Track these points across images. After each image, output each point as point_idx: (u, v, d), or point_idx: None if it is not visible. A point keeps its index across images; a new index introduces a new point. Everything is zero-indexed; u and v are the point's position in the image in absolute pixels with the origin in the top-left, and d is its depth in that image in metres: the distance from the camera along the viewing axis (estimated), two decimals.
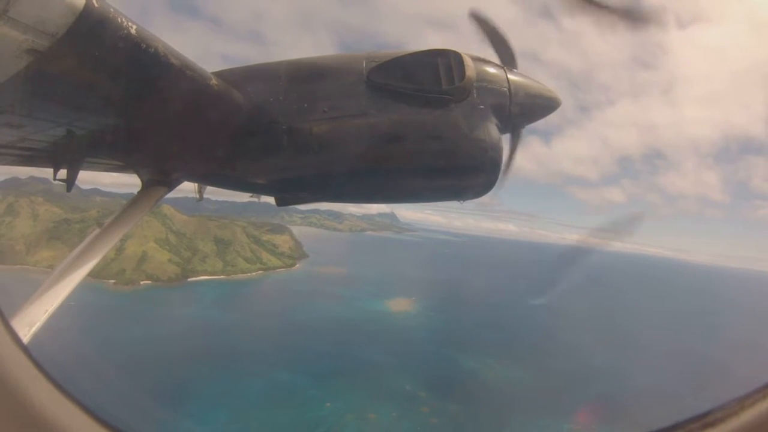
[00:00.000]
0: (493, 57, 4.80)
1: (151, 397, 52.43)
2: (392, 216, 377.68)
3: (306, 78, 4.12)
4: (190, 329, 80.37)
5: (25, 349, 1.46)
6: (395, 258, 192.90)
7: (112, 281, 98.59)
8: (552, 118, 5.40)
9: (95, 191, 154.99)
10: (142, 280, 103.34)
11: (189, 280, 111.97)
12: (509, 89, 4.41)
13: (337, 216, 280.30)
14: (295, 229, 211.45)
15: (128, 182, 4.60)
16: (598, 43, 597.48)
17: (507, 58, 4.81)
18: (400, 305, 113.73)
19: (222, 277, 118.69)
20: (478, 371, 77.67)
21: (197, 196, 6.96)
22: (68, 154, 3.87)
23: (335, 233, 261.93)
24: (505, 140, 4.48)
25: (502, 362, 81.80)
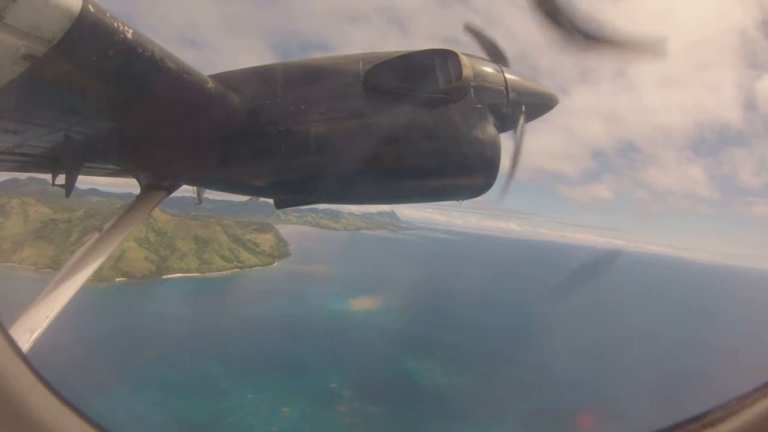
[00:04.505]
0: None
1: (95, 378, 57.20)
2: (392, 215, 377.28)
3: (303, 80, 4.15)
4: (144, 323, 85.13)
5: (23, 356, 1.45)
6: (381, 257, 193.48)
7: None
8: None
9: (92, 191, 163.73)
10: (117, 277, 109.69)
11: (163, 277, 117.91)
12: (506, 88, 4.46)
13: (334, 214, 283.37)
14: (289, 228, 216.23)
15: (126, 182, 4.67)
16: (519, 21, 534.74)
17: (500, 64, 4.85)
18: (363, 304, 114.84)
19: (196, 274, 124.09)
20: (418, 374, 77.42)
21: (196, 199, 6.94)
22: (66, 160, 3.91)
23: (329, 232, 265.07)
24: (504, 140, 4.50)
25: (449, 366, 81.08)
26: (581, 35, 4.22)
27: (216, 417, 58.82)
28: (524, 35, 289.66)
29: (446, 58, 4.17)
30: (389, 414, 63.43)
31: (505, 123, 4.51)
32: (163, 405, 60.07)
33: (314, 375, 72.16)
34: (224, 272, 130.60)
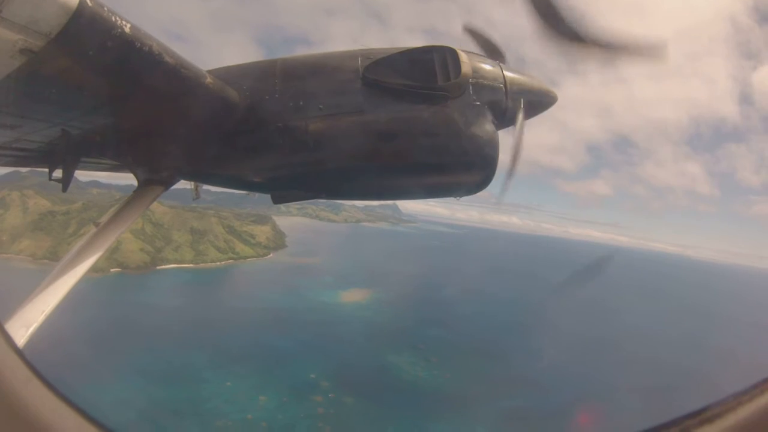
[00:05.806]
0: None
1: (79, 366, 59.14)
2: (394, 207, 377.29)
3: (301, 75, 4.16)
4: (134, 312, 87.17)
5: (18, 351, 1.45)
6: (379, 249, 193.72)
7: None
8: None
9: (93, 183, 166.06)
10: (113, 268, 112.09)
11: (157, 268, 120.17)
12: (505, 85, 4.47)
13: (335, 207, 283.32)
14: (289, 220, 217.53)
15: (127, 175, 4.71)
16: (500, 11, 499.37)
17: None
18: (353, 296, 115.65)
19: (190, 265, 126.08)
20: (397, 368, 77.77)
21: (194, 194, 6.90)
22: (63, 155, 3.92)
23: (328, 224, 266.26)
24: (502, 137, 4.50)
25: (431, 360, 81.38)
26: (574, 36, 3.91)
27: (192, 403, 60.33)
28: (505, 25, 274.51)
29: (445, 54, 4.17)
30: (363, 405, 64.07)
31: (504, 120, 4.49)
32: (143, 391, 61.74)
33: (295, 365, 73.17)
34: (218, 263, 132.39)
